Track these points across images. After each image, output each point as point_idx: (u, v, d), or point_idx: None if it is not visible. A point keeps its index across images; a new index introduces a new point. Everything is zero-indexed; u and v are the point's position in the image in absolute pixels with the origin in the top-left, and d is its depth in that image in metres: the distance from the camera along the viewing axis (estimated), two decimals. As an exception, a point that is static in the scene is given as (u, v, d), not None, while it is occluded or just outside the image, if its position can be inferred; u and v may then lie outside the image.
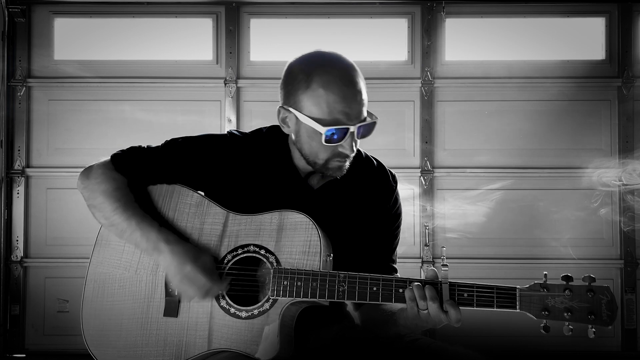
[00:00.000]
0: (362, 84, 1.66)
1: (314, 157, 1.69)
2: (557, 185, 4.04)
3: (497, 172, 4.04)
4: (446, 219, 4.04)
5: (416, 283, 1.53)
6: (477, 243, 4.04)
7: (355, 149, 1.67)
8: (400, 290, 1.54)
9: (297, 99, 1.65)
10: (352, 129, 1.62)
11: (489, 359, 1.63)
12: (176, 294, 1.67)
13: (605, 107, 4.11)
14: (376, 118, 1.69)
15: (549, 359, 4.04)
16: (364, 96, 1.65)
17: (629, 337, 4.00)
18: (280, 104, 1.71)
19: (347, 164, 1.71)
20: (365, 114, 1.66)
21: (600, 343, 4.03)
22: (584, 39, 4.19)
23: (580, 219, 3.98)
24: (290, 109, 1.67)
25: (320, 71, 1.62)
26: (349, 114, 1.61)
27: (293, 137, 1.72)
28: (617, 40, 4.11)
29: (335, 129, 1.61)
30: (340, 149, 1.65)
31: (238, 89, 4.11)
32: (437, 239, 4.04)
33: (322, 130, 1.60)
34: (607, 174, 3.94)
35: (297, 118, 1.66)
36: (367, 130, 1.67)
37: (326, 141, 1.62)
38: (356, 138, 1.65)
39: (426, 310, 1.52)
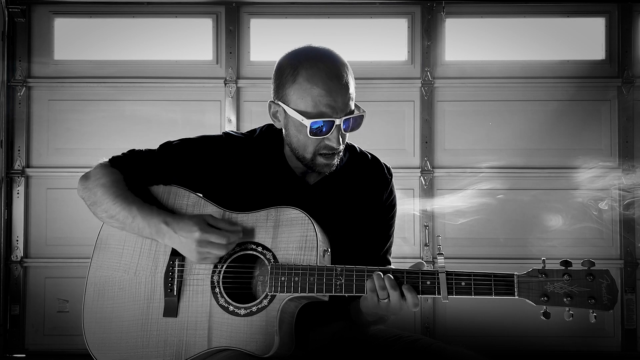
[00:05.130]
0: (350, 78, 1.67)
1: (302, 151, 1.71)
2: (556, 185, 4.04)
3: (497, 172, 4.04)
4: (446, 219, 4.04)
5: (377, 273, 1.55)
6: (477, 243, 4.04)
7: (342, 143, 1.69)
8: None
9: (284, 93, 1.68)
10: (337, 121, 1.64)
11: (489, 359, 1.63)
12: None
13: (605, 107, 4.11)
14: (364, 112, 1.70)
15: (549, 359, 4.04)
16: (351, 90, 1.67)
17: (629, 337, 4.00)
18: (271, 98, 1.74)
19: (335, 160, 1.73)
20: (352, 107, 1.68)
21: (600, 343, 4.03)
22: (584, 39, 4.19)
23: (580, 219, 3.98)
24: (279, 103, 1.70)
25: (306, 65, 1.64)
26: (334, 107, 1.64)
27: (283, 131, 1.74)
28: (617, 40, 4.11)
29: (320, 121, 1.63)
30: (327, 142, 1.67)
31: (238, 89, 4.11)
32: (440, 245, 4.04)
33: (307, 123, 1.63)
34: (610, 176, 3.96)
35: (285, 112, 1.69)
36: (355, 123, 1.69)
37: (311, 134, 1.64)
38: (343, 131, 1.67)
39: (386, 300, 1.54)
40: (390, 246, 1.90)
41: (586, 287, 1.47)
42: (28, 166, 4.11)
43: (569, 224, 3.99)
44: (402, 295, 1.53)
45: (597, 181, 3.95)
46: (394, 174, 1.92)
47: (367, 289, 1.55)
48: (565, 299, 1.47)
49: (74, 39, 4.19)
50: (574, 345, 3.99)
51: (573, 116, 4.09)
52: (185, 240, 1.63)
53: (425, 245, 4.02)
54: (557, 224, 3.99)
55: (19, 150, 4.09)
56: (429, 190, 4.07)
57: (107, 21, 4.19)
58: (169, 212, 1.70)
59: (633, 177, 3.99)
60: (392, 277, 1.54)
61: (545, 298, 1.48)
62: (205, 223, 1.64)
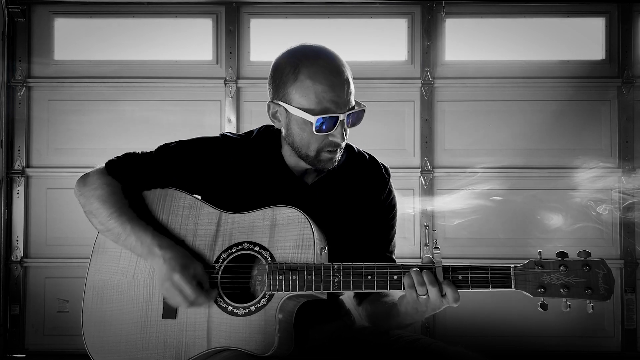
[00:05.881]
0: (349, 74, 1.68)
1: (306, 149, 1.70)
2: (556, 185, 4.04)
3: (497, 172, 4.04)
4: (446, 219, 4.04)
5: (414, 269, 1.54)
6: (477, 243, 4.04)
7: (345, 138, 1.70)
8: (395, 277, 1.55)
9: (285, 92, 1.67)
10: (341, 117, 1.65)
11: (489, 359, 1.63)
12: (163, 300, 1.67)
13: (605, 107, 4.11)
14: (364, 106, 1.71)
15: (549, 359, 4.04)
16: (352, 85, 1.68)
17: (629, 337, 4.00)
18: (269, 99, 1.74)
19: (338, 155, 1.73)
20: (353, 102, 1.69)
21: (600, 343, 4.03)
22: (584, 39, 4.18)
23: (579, 219, 3.98)
24: (280, 103, 1.70)
25: (307, 63, 1.65)
26: (337, 103, 1.64)
27: (284, 131, 1.74)
28: (617, 40, 4.11)
29: (325, 117, 1.63)
30: (332, 138, 1.67)
31: (238, 89, 4.11)
32: (436, 239, 4.04)
33: (313, 119, 1.63)
34: (610, 176, 3.96)
35: (287, 111, 1.69)
36: (356, 118, 1.70)
37: (317, 130, 1.64)
38: (346, 126, 1.68)
39: (425, 295, 1.52)
40: (393, 245, 1.90)
41: (583, 278, 1.48)
42: (28, 166, 4.11)
43: (569, 223, 3.99)
44: (441, 290, 1.52)
45: (597, 181, 3.95)
46: (393, 174, 1.92)
47: (404, 285, 1.54)
48: (562, 290, 1.48)
49: (74, 39, 4.19)
50: (574, 345, 3.99)
51: (573, 116, 4.09)
52: (165, 272, 1.63)
53: (425, 245, 3.99)
54: (557, 223, 3.99)
55: (19, 150, 4.09)
56: (429, 190, 4.07)
57: (107, 21, 4.19)
58: (164, 237, 1.69)
59: (633, 177, 3.99)
60: (430, 272, 1.53)
61: (542, 289, 1.48)
62: (191, 272, 1.63)
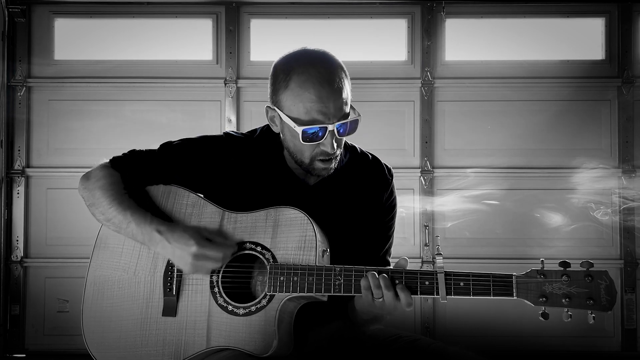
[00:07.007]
0: (344, 82, 1.65)
1: (300, 156, 1.71)
2: (556, 185, 4.04)
3: (497, 172, 4.04)
4: (446, 219, 4.04)
5: (371, 272, 1.56)
6: (477, 243, 4.04)
7: (336, 147, 1.68)
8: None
9: (279, 99, 1.67)
10: (330, 127, 1.63)
11: (489, 359, 1.63)
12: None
13: (605, 107, 4.11)
14: (359, 115, 1.69)
15: (549, 359, 4.04)
16: (344, 94, 1.65)
17: (629, 337, 4.00)
18: (268, 102, 1.74)
19: (333, 164, 1.72)
20: (346, 110, 1.66)
21: (600, 343, 4.02)
22: (584, 39, 4.19)
23: (579, 219, 3.98)
24: (275, 108, 1.69)
25: (299, 70, 1.63)
26: (326, 113, 1.62)
27: (281, 135, 1.74)
28: (617, 40, 4.11)
29: (312, 128, 1.62)
30: (322, 147, 1.66)
31: (238, 89, 4.11)
32: (439, 245, 4.04)
33: (299, 130, 1.62)
34: (610, 176, 3.96)
35: (280, 117, 1.68)
36: (350, 127, 1.68)
37: (305, 140, 1.63)
38: (337, 136, 1.66)
39: (381, 299, 1.54)
40: (390, 247, 1.90)
41: (585, 288, 1.47)
42: (28, 166, 4.11)
43: (569, 223, 3.99)
44: (396, 295, 1.53)
45: (597, 181, 3.95)
46: (394, 175, 1.92)
47: (361, 287, 1.56)
48: (563, 300, 1.47)
49: (74, 39, 4.20)
50: (574, 345, 3.99)
51: (573, 116, 4.09)
52: (181, 252, 1.63)
53: (425, 245, 4.02)
54: (557, 223, 3.99)
55: (19, 150, 4.09)
56: (429, 190, 4.07)
57: (107, 21, 4.19)
58: (162, 220, 1.70)
59: (633, 179, 3.99)
60: (386, 276, 1.54)
61: (544, 299, 1.48)
62: (201, 236, 1.64)
